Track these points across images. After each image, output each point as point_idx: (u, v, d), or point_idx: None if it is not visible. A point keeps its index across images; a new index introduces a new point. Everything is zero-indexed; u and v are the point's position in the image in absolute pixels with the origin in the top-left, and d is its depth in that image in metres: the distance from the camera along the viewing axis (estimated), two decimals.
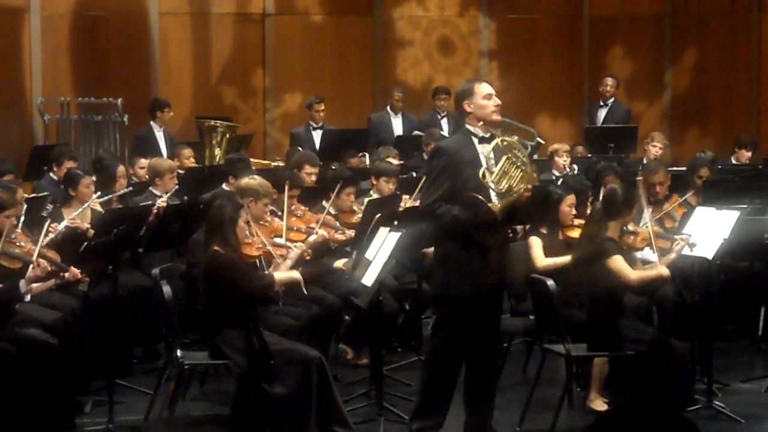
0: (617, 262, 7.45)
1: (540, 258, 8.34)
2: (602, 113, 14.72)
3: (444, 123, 14.58)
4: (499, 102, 6.96)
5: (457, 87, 7.23)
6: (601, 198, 7.78)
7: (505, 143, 6.85)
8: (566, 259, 8.12)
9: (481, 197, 6.73)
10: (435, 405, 7.08)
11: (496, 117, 6.92)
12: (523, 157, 6.86)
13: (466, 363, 7.08)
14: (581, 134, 14.62)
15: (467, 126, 6.96)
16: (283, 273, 7.88)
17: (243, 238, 7.62)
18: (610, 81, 14.90)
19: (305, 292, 7.98)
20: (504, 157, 6.82)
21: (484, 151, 6.86)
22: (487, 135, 6.90)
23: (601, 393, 8.04)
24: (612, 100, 14.83)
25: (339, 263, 8.61)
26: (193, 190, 10.43)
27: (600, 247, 7.48)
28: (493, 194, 6.80)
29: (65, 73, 15.30)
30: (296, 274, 7.89)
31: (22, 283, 7.39)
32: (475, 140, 6.90)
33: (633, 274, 7.49)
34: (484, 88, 6.95)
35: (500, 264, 7.01)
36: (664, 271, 7.63)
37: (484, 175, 6.76)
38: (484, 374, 7.11)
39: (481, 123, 6.91)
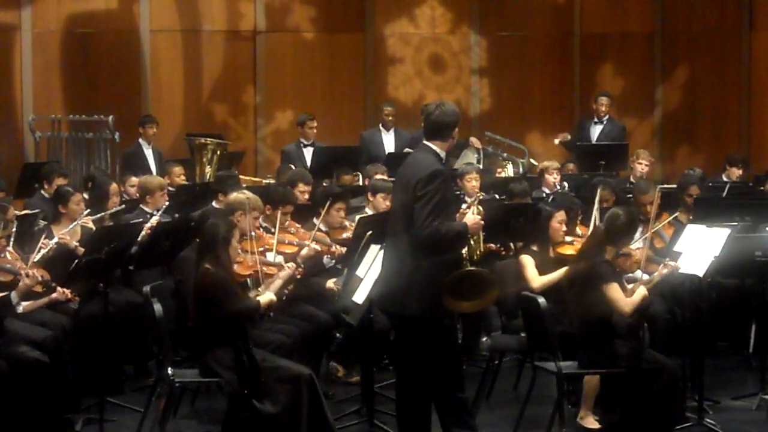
0: (614, 291, 7.45)
1: (535, 278, 8.34)
2: (596, 130, 14.64)
3: None
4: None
5: (447, 107, 7.08)
6: (604, 220, 7.79)
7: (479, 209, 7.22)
8: (561, 272, 8.15)
9: None
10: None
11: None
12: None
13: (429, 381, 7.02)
14: (571, 151, 14.59)
15: (436, 148, 7.05)
16: (265, 297, 7.78)
17: (235, 257, 7.62)
18: (604, 100, 14.74)
19: (271, 315, 8.08)
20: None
21: None
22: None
23: (592, 410, 8.04)
24: (606, 117, 14.72)
25: (330, 283, 8.61)
26: (184, 208, 10.42)
27: (596, 270, 7.49)
28: None
29: (56, 91, 15.30)
30: (272, 296, 7.81)
31: (13, 294, 7.38)
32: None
33: (628, 306, 7.46)
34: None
35: None
36: (643, 292, 7.61)
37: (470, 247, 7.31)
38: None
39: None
